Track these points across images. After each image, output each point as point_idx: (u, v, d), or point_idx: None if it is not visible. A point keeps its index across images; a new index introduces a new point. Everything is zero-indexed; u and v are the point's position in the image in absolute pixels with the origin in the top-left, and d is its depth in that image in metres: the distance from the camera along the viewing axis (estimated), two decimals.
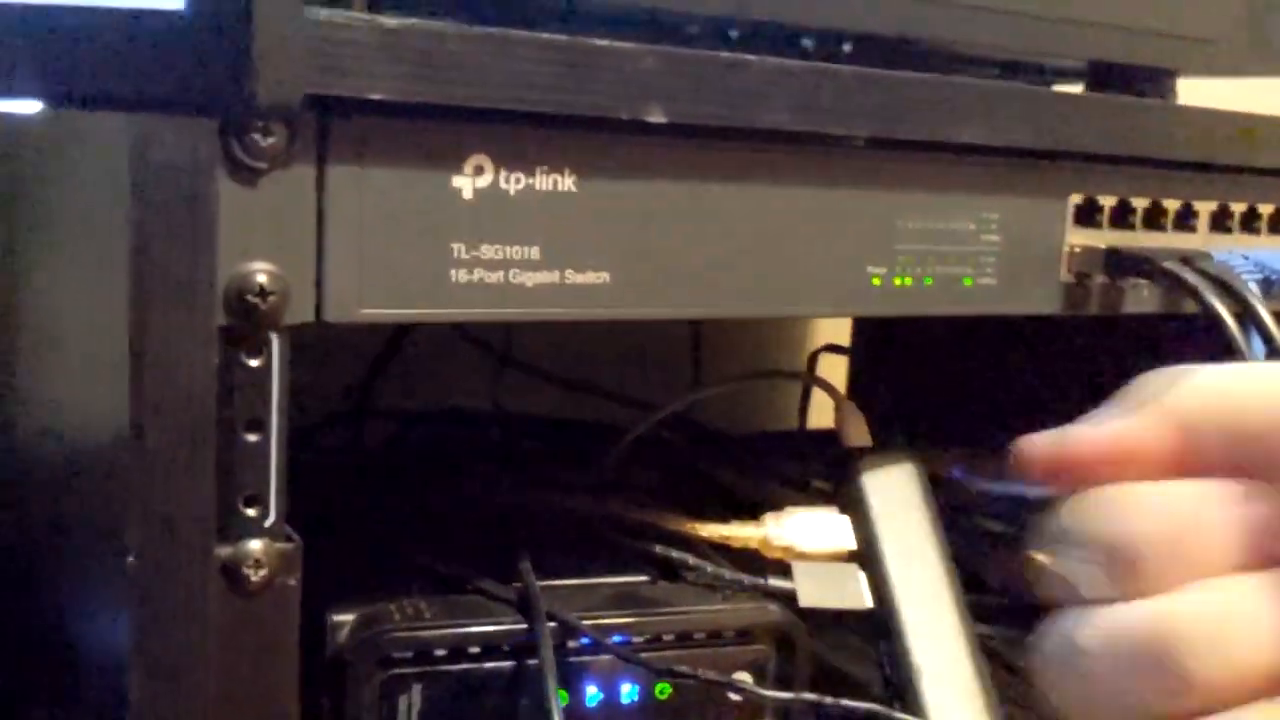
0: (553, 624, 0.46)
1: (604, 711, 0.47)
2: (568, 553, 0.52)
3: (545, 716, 0.44)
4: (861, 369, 0.83)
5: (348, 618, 0.45)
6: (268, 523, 0.35)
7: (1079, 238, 0.49)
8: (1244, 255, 0.52)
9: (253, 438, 0.35)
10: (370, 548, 0.51)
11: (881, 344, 0.83)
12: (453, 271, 0.37)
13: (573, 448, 0.69)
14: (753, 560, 0.53)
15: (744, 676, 0.49)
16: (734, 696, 0.49)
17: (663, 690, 0.48)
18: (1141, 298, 0.51)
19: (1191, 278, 0.46)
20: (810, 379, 0.62)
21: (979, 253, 0.47)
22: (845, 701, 0.46)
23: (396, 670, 0.44)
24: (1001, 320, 0.48)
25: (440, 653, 0.45)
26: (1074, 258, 0.49)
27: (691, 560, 0.51)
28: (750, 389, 0.82)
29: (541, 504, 0.55)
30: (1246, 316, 0.47)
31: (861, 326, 0.84)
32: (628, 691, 0.48)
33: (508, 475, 0.60)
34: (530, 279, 0.38)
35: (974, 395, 0.83)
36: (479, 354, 0.76)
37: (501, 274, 0.38)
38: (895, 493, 0.53)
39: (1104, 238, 0.49)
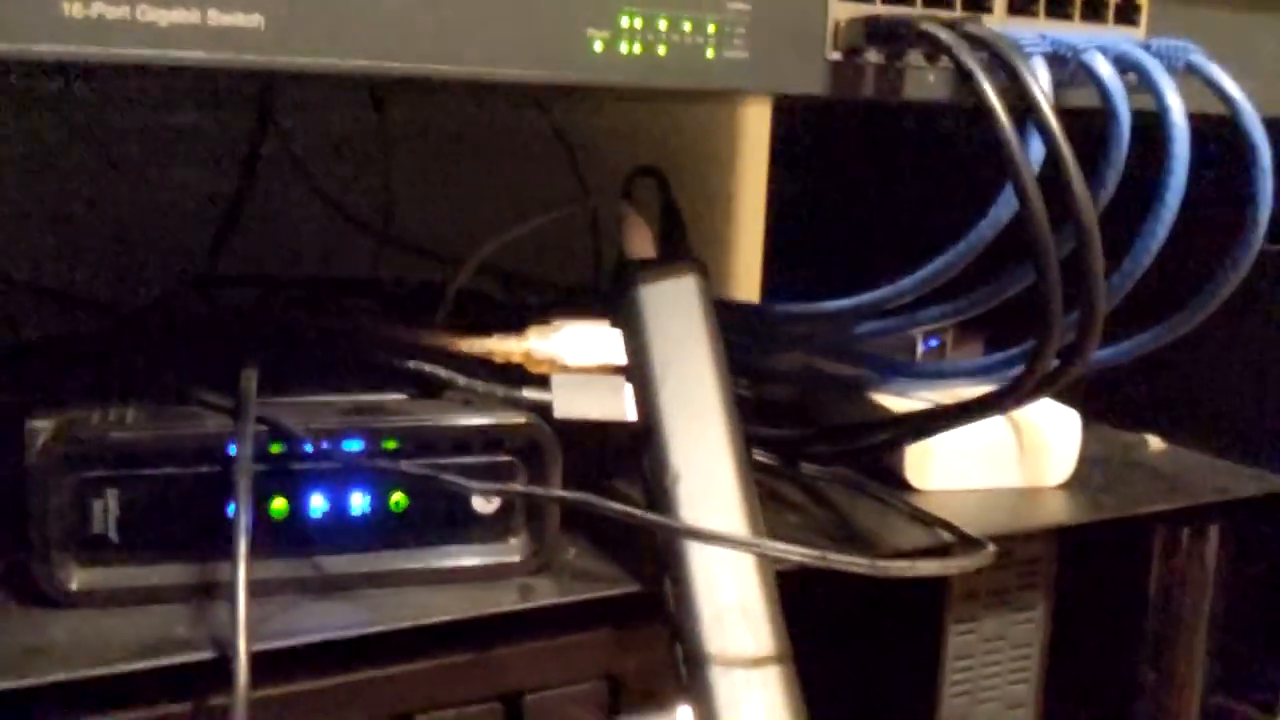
0: (263, 427, 0.43)
1: (332, 522, 0.44)
2: (327, 373, 0.49)
3: (254, 520, 0.41)
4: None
5: (46, 424, 0.42)
6: None
7: (846, 10, 0.45)
8: (1042, 34, 0.47)
9: None
10: (108, 367, 0.49)
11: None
12: (65, 4, 0.34)
13: (407, 306, 0.66)
14: (525, 377, 0.50)
15: (488, 486, 0.46)
16: (476, 506, 0.46)
17: (398, 504, 0.45)
18: (925, 83, 0.47)
19: (948, 38, 0.42)
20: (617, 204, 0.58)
21: (724, 21, 0.43)
22: (595, 499, 0.43)
23: (89, 473, 0.42)
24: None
25: (140, 456, 0.42)
26: (841, 32, 0.45)
27: (444, 374, 0.48)
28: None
29: (313, 329, 0.52)
30: (1017, 93, 0.42)
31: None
32: (359, 503, 0.45)
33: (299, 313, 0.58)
34: (163, 17, 0.35)
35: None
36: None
37: (126, 9, 0.35)
38: (672, 305, 0.50)
39: (876, 10, 0.45)
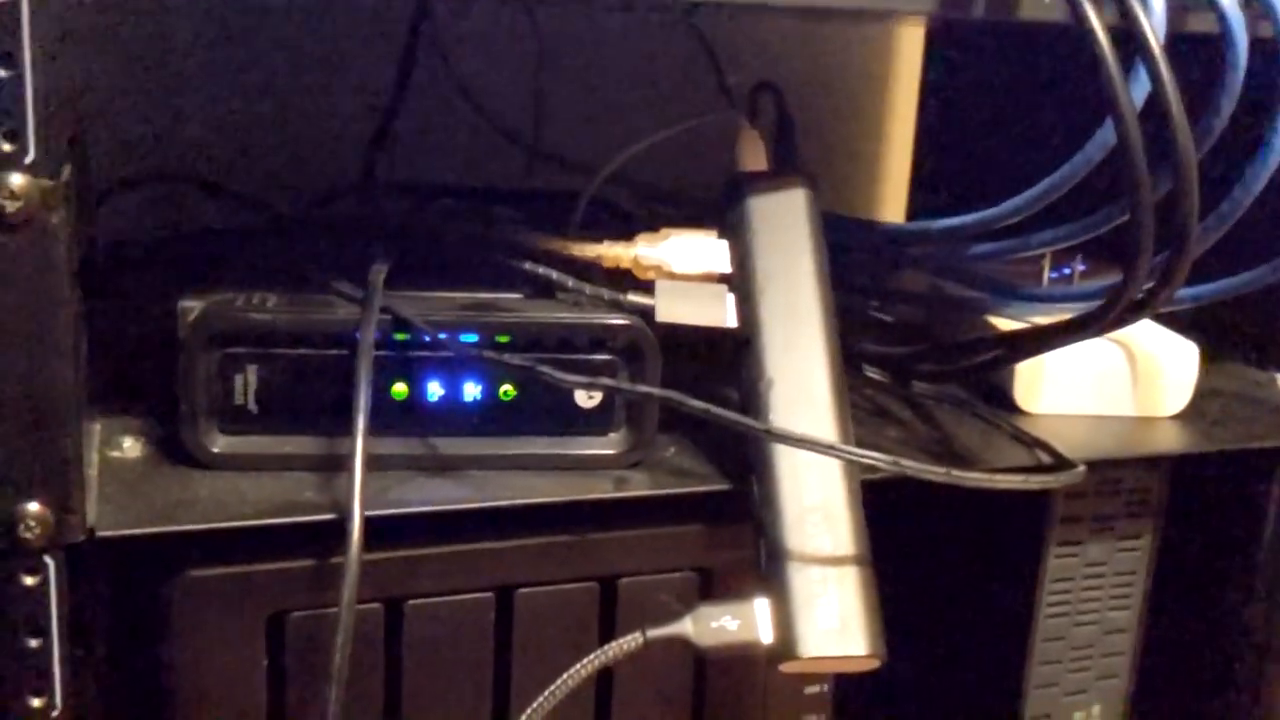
0: (387, 317, 0.47)
1: (447, 407, 0.48)
2: (453, 271, 0.53)
3: (372, 399, 0.45)
4: None
5: (196, 304, 0.47)
6: (27, 159, 0.37)
7: None
8: None
9: (4, 72, 0.36)
10: (258, 259, 0.54)
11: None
12: None
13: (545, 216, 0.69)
14: (633, 283, 0.52)
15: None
16: (578, 400, 0.49)
17: (507, 393, 0.49)
18: (1041, 3, 0.47)
19: None
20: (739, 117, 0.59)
21: None
22: (684, 397, 0.45)
23: (231, 350, 0.46)
24: None
25: (277, 337, 0.46)
26: None
27: (556, 276, 0.51)
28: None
29: (440, 231, 0.56)
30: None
31: None
32: (472, 391, 0.48)
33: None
34: None
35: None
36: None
37: None
38: (779, 217, 0.51)
39: None
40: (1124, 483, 0.60)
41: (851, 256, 0.62)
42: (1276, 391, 0.67)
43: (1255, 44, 0.45)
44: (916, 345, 0.61)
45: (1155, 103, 0.42)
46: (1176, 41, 0.45)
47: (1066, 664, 0.62)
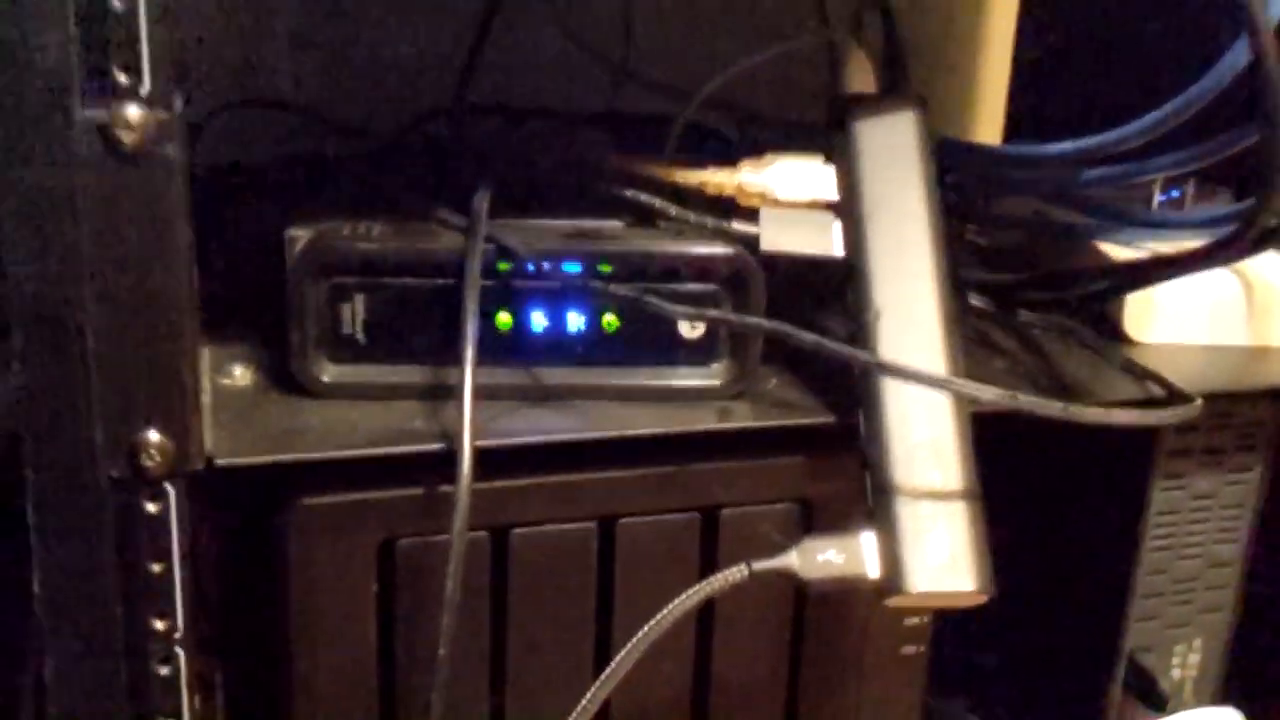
0: (490, 246, 0.47)
1: (551, 337, 0.48)
2: (555, 199, 0.52)
3: (479, 329, 0.45)
4: None
5: (303, 233, 0.47)
6: (143, 90, 0.37)
7: None
8: None
9: (119, 4, 0.36)
10: (360, 186, 0.54)
11: None
12: None
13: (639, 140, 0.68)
14: (738, 210, 0.51)
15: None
16: (682, 330, 0.48)
17: (610, 324, 0.48)
18: None
19: None
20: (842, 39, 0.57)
21: None
22: (791, 328, 0.45)
23: (339, 279, 0.46)
24: None
25: (384, 266, 0.46)
26: None
27: (659, 204, 0.50)
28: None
29: (543, 158, 0.55)
30: None
31: None
32: (575, 321, 0.48)
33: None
34: None
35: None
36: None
37: None
38: (888, 142, 0.50)
39: None
40: (1235, 415, 0.59)
41: (957, 179, 0.61)
42: None
43: None
44: (1023, 273, 0.60)
45: None
46: None
47: (1169, 597, 0.61)
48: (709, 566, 0.50)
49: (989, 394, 0.42)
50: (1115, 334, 0.58)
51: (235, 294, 0.54)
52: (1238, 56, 0.44)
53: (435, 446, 0.43)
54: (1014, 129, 0.90)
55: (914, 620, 0.54)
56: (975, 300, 0.61)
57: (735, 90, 0.61)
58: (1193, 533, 0.60)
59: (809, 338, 0.43)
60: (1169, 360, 0.56)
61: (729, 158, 0.52)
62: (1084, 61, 0.82)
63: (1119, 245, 0.60)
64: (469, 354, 0.44)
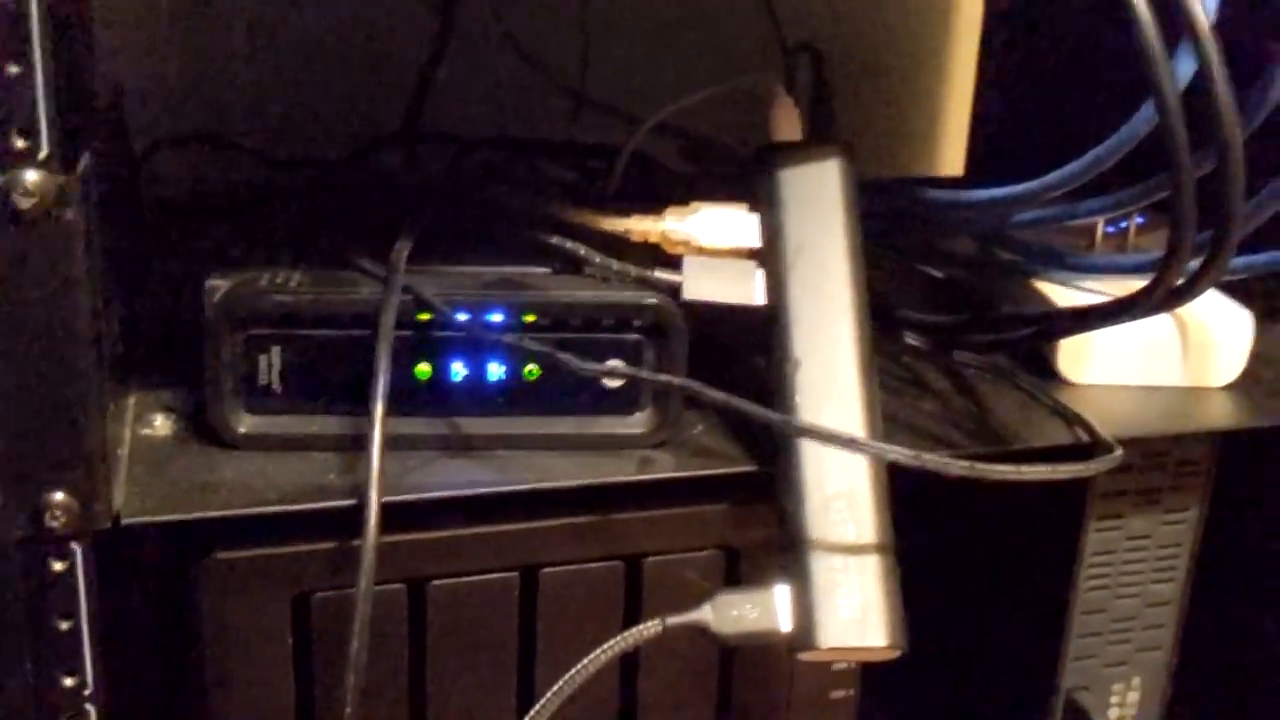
0: (409, 297, 0.47)
1: (471, 387, 0.48)
2: (481, 243, 0.52)
3: (398, 380, 0.45)
4: None
5: (222, 283, 0.47)
6: (41, 154, 0.37)
7: None
8: None
9: (14, 69, 0.36)
10: (290, 226, 0.54)
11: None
12: None
13: (587, 169, 0.68)
14: (664, 257, 0.51)
15: (616, 363, 0.48)
16: (603, 379, 0.48)
17: (531, 373, 0.48)
18: None
19: None
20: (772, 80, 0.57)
21: None
22: (700, 386, 0.45)
23: (255, 331, 0.46)
24: None
25: (300, 318, 0.46)
26: None
27: (583, 251, 0.50)
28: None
29: (469, 202, 0.55)
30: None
31: None
32: (496, 371, 0.48)
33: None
34: None
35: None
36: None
37: None
38: (812, 189, 0.50)
39: None
40: (1171, 455, 0.59)
41: (897, 220, 0.61)
42: None
43: None
44: (960, 314, 0.60)
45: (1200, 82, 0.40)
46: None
47: (1107, 636, 0.61)
48: (633, 615, 0.50)
49: (895, 454, 0.42)
50: (1052, 375, 0.58)
51: (166, 337, 0.54)
52: (1151, 110, 0.44)
53: (344, 502, 0.43)
54: (977, 162, 0.90)
55: (842, 665, 0.54)
56: (914, 340, 0.61)
57: (696, 119, 0.61)
58: (1129, 572, 0.60)
59: (720, 396, 0.43)
60: (1104, 402, 0.56)
61: (671, 190, 0.52)
62: (1046, 94, 0.82)
63: (1057, 284, 0.60)
64: (379, 409, 0.44)
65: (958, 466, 0.42)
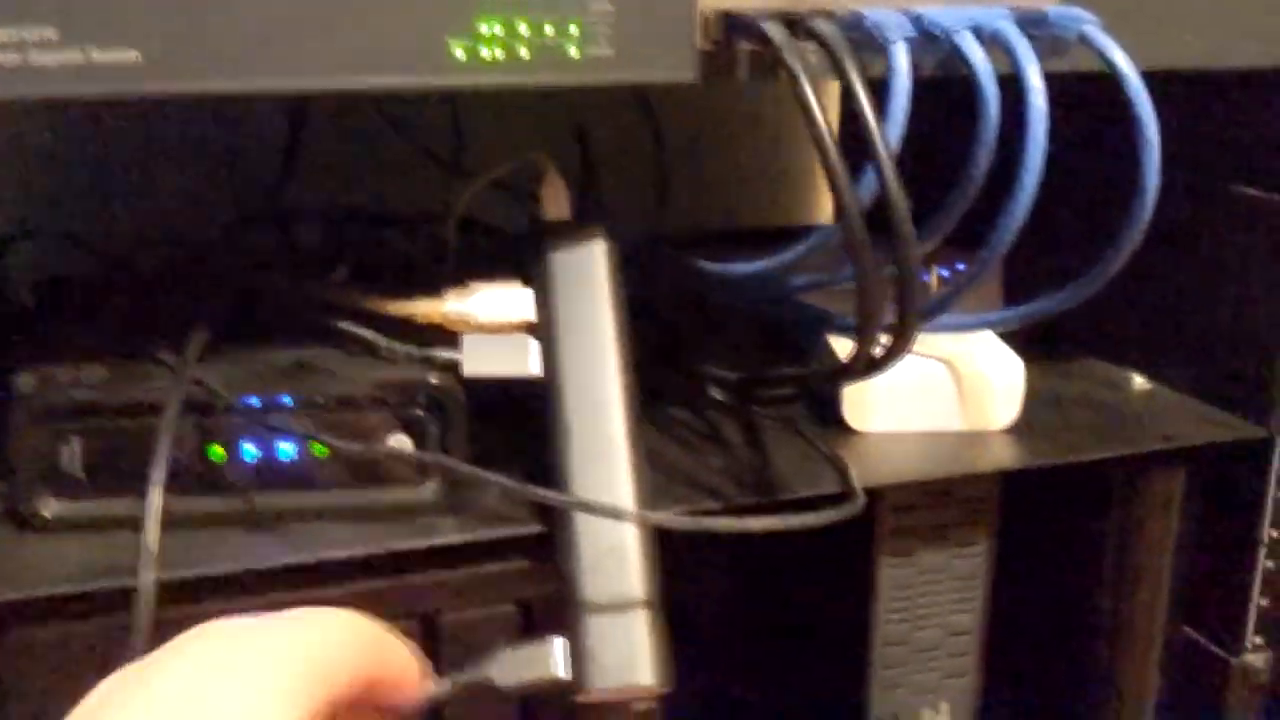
0: (197, 388, 0.50)
1: (263, 466, 0.52)
2: (259, 329, 0.56)
3: (191, 462, 0.49)
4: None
5: (28, 380, 0.51)
6: None
7: (712, 2, 0.47)
8: (917, 14, 0.48)
9: None
10: (99, 327, 0.57)
11: None
12: None
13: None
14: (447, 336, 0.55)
15: (403, 439, 0.52)
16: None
17: (320, 450, 0.52)
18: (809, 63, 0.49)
19: (779, 36, 0.44)
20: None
21: (588, 21, 0.47)
22: (456, 464, 0.49)
23: (57, 424, 0.50)
24: None
25: (98, 410, 0.50)
26: (709, 24, 0.48)
27: (369, 335, 0.54)
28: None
29: (260, 290, 0.59)
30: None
31: None
32: (285, 450, 0.52)
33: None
34: (51, 59, 0.41)
35: None
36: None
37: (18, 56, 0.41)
38: (581, 267, 0.54)
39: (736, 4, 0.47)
40: (954, 494, 0.63)
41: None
42: (1129, 393, 0.69)
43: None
44: (754, 369, 0.64)
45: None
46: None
47: (911, 666, 0.65)
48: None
49: (663, 521, 0.46)
50: (841, 424, 0.62)
51: None
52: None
53: (125, 582, 0.47)
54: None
55: (643, 705, 0.58)
56: (717, 394, 0.65)
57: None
58: (926, 605, 0.64)
59: (472, 471, 0.47)
60: (888, 449, 0.61)
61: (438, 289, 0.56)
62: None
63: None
64: (155, 499, 0.47)
65: (726, 525, 0.46)
